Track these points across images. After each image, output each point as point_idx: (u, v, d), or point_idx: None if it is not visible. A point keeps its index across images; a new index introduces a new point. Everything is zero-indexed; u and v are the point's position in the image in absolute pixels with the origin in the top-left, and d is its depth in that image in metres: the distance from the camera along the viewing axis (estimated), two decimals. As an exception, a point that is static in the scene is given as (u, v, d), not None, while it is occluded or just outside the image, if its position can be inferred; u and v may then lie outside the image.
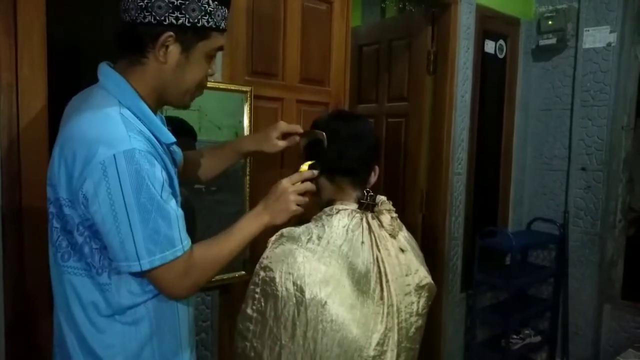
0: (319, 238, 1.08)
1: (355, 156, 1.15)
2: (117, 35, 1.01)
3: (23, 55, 1.34)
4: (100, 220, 0.93)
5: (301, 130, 1.37)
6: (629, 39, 2.91)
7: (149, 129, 1.00)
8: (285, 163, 1.98)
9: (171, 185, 1.04)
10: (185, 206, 1.13)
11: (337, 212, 1.13)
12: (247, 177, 1.87)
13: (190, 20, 0.97)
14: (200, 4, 0.97)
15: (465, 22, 2.73)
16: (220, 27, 1.03)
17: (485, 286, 3.03)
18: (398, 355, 1.06)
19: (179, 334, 1.13)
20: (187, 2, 0.96)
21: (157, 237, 0.94)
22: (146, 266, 0.94)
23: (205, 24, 0.99)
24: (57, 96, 1.37)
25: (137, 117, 0.99)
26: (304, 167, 1.17)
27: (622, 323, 2.98)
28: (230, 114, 1.85)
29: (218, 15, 1.01)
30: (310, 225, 1.13)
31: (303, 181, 1.16)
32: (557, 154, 3.15)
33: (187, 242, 1.00)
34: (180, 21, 0.96)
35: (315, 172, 1.17)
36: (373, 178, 1.21)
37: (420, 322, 1.15)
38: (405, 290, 1.11)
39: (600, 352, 3.04)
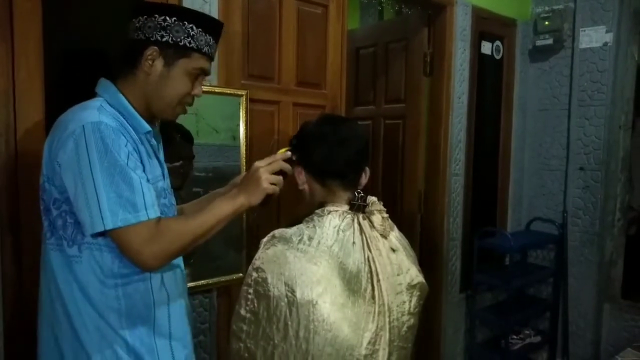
0: (310, 239, 1.09)
1: (344, 159, 1.17)
2: (118, 50, 1.18)
3: (20, 61, 1.35)
4: (71, 186, 1.03)
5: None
6: (625, 39, 2.92)
7: (128, 122, 1.12)
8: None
9: (143, 169, 1.10)
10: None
11: (328, 213, 1.14)
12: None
13: (173, 39, 1.12)
14: (184, 27, 1.12)
15: (461, 23, 2.75)
16: (203, 50, 1.16)
17: (485, 287, 3.03)
18: (390, 354, 1.07)
19: (153, 326, 1.15)
20: (173, 25, 1.12)
21: (120, 200, 1.01)
22: (109, 225, 1.01)
23: (187, 44, 1.13)
24: (54, 102, 1.39)
25: (118, 112, 1.11)
26: (281, 151, 1.21)
27: (622, 322, 2.97)
28: (226, 117, 1.86)
29: (201, 40, 1.15)
30: (302, 226, 1.15)
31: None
32: (555, 153, 3.16)
33: (152, 211, 1.05)
34: (165, 39, 1.12)
35: (289, 153, 1.19)
36: (364, 179, 1.22)
37: (412, 321, 1.15)
38: (396, 290, 1.12)
39: (601, 351, 3.04)
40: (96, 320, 1.09)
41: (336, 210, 1.15)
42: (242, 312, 1.10)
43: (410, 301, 1.15)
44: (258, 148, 1.94)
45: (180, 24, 1.12)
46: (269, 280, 1.05)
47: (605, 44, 2.90)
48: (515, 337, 3.04)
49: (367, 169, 1.23)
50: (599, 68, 2.93)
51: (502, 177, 3.19)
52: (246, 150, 1.89)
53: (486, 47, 2.96)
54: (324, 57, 2.16)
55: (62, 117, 1.08)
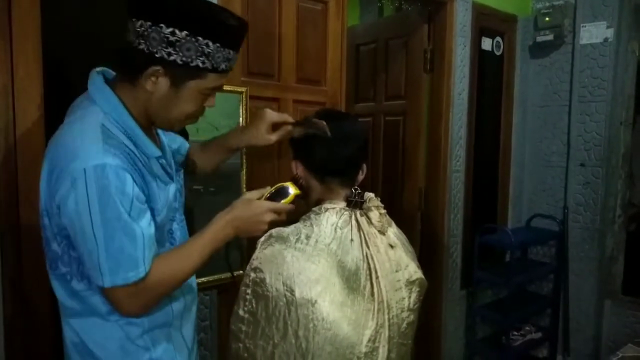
0: (308, 237, 1.08)
1: (345, 157, 1.15)
2: (115, 51, 1.00)
3: (18, 59, 1.34)
4: (71, 232, 0.94)
5: (291, 120, 1.30)
6: (626, 35, 2.91)
7: (133, 142, 0.99)
8: (282, 159, 1.98)
9: (149, 200, 1.02)
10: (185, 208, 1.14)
11: (325, 211, 1.13)
12: (244, 177, 1.88)
13: (183, 59, 0.94)
14: (197, 44, 0.93)
15: (461, 19, 2.74)
16: (219, 69, 0.99)
17: (485, 283, 3.03)
18: (390, 351, 1.07)
19: (171, 336, 1.13)
20: (183, 41, 0.92)
21: (121, 257, 0.93)
22: (107, 284, 0.93)
23: (200, 64, 0.95)
24: (53, 99, 1.38)
25: (122, 130, 0.98)
26: (286, 200, 1.15)
27: (623, 318, 2.98)
28: (227, 115, 1.86)
29: (218, 57, 0.97)
30: (299, 225, 1.14)
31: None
32: (555, 150, 3.15)
33: (148, 263, 0.97)
34: (172, 57, 0.93)
35: (293, 206, 1.15)
36: (361, 176, 1.22)
37: (412, 317, 1.15)
38: (395, 286, 1.12)
39: (601, 347, 3.04)
40: (121, 340, 1.04)
41: (333, 208, 1.14)
42: (241, 312, 1.09)
43: (410, 297, 1.14)
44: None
45: (193, 39, 0.92)
46: (267, 280, 1.05)
47: (606, 39, 2.89)
48: (515, 333, 3.04)
49: (364, 166, 1.22)
50: (599, 64, 2.92)
51: (502, 173, 3.18)
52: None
53: (486, 43, 2.95)
54: (323, 53, 2.16)
55: (61, 139, 0.96)
